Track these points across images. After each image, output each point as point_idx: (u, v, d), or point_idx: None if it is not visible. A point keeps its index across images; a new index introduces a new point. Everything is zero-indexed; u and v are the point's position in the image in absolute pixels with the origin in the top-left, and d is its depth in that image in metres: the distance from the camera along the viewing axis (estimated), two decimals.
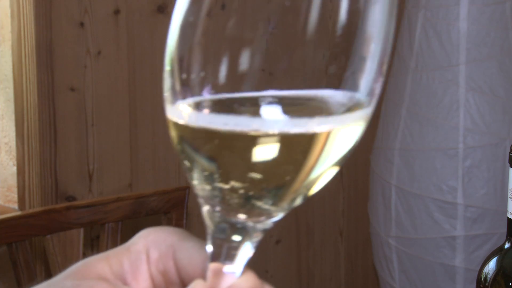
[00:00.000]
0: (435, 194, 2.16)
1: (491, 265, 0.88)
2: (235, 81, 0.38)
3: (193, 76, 0.39)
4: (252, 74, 0.38)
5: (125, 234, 2.03)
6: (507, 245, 0.88)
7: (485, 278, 0.88)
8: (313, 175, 0.39)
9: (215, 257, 0.41)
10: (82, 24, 1.98)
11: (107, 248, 1.41)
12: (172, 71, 0.40)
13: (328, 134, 0.38)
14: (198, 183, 0.40)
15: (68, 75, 1.97)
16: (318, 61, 0.39)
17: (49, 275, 1.86)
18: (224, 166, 0.39)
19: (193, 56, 0.39)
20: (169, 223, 1.47)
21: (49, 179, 1.96)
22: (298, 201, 0.41)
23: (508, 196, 0.85)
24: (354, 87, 0.39)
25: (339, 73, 0.39)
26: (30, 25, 1.90)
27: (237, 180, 0.39)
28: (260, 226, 0.41)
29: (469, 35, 2.14)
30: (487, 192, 2.14)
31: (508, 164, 1.30)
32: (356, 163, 2.62)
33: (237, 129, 0.38)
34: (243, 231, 0.41)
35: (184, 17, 0.39)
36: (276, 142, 0.38)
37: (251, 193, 0.39)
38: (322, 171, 0.40)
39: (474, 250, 2.15)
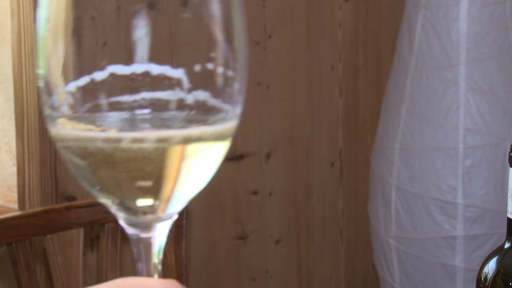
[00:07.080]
0: (435, 194, 2.16)
1: (491, 265, 0.88)
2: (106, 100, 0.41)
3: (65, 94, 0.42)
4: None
5: (125, 234, 2.03)
6: (507, 245, 0.88)
7: (485, 278, 0.88)
8: (184, 178, 0.41)
9: (137, 257, 0.44)
10: None
11: (107, 248, 1.41)
12: (47, 88, 0.43)
13: (187, 144, 0.41)
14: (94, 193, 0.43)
15: None
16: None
17: (49, 275, 1.86)
18: (100, 178, 0.42)
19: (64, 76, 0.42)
20: None
21: (49, 179, 1.96)
22: (180, 202, 0.43)
23: (508, 196, 0.85)
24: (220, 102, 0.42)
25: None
26: (30, 25, 1.90)
27: (114, 190, 0.42)
28: (161, 222, 0.43)
29: (469, 35, 2.14)
30: (487, 192, 2.14)
31: (508, 164, 1.30)
32: (356, 163, 2.62)
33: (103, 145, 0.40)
34: (147, 227, 0.43)
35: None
36: (138, 152, 0.40)
37: (129, 199, 0.42)
38: (193, 175, 0.42)
39: (474, 250, 2.15)
